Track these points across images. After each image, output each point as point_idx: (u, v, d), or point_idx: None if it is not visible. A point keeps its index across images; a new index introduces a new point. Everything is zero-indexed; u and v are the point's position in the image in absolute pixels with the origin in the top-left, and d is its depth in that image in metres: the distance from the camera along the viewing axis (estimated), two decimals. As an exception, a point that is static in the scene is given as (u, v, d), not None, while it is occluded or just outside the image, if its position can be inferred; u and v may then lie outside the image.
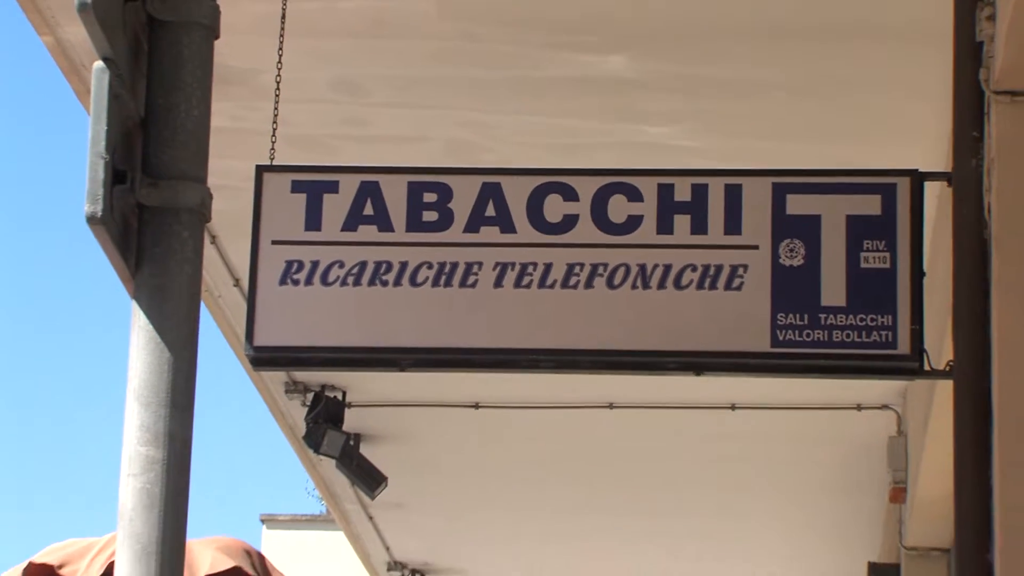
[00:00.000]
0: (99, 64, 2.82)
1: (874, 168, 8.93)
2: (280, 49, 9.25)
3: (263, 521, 27.19)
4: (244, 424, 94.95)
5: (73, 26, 9.40)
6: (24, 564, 4.72)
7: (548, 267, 8.75)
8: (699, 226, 8.74)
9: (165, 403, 2.95)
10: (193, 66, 2.94)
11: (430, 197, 8.95)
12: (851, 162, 9.05)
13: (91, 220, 2.79)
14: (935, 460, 10.79)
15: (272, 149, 9.27)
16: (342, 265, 8.85)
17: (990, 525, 7.66)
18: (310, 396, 12.75)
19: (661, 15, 9.33)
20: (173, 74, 2.94)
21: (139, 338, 2.97)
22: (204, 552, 4.67)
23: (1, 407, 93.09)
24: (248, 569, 4.77)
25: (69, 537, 4.82)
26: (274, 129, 9.39)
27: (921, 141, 9.38)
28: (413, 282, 8.82)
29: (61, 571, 4.70)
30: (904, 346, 8.62)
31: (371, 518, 15.57)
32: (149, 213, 2.91)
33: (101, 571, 4.59)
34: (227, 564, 4.74)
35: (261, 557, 4.88)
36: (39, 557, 4.76)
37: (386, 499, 14.16)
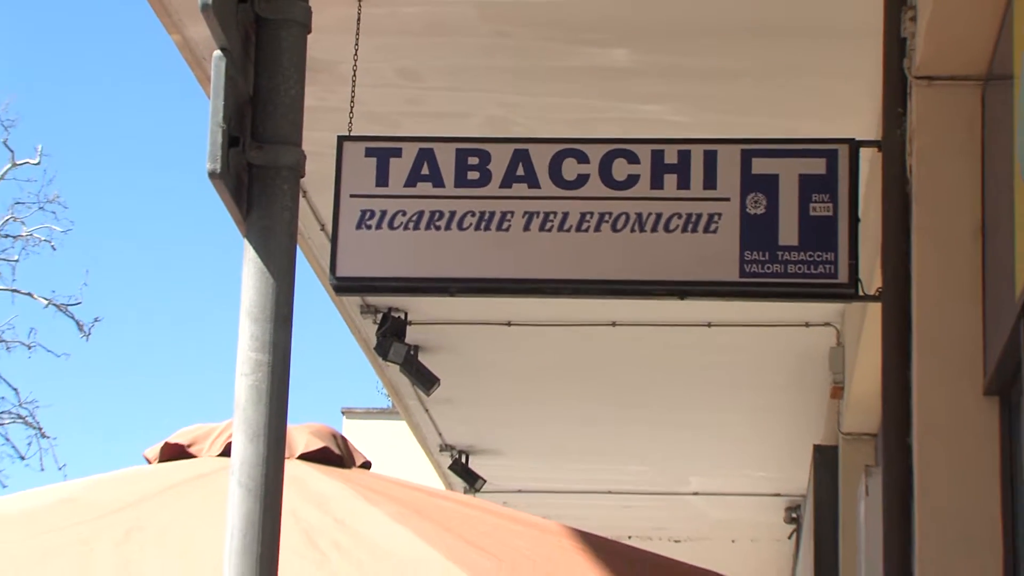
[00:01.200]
0: (217, 53, 2.83)
1: (820, 137, 8.95)
2: (356, 44, 9.28)
3: (343, 413, 27.27)
4: (329, 337, 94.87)
5: (196, 26, 9.41)
6: (161, 443, 4.75)
7: (565, 215, 8.78)
8: (683, 183, 8.76)
9: (270, 319, 2.97)
10: (290, 55, 2.96)
11: (473, 160, 8.97)
12: (802, 133, 9.06)
13: (212, 175, 2.81)
14: (866, 365, 10.79)
15: (350, 123, 9.32)
16: (404, 213, 8.88)
17: (909, 415, 7.67)
18: (379, 316, 12.76)
19: (653, 17, 9.36)
20: (274, 61, 2.95)
21: (249, 268, 2.99)
22: (300, 435, 4.68)
23: (153, 323, 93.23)
24: (334, 449, 4.78)
25: (196, 423, 4.83)
26: (351, 107, 9.43)
27: (857, 116, 9.37)
28: (460, 227, 8.85)
29: (190, 449, 4.71)
30: (843, 276, 8.65)
31: (427, 411, 15.60)
32: (256, 170, 2.93)
33: (220, 450, 4.60)
34: (318, 445, 4.75)
35: (344, 440, 4.89)
36: (173, 438, 4.77)
37: (438, 396, 14.19)
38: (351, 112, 9.38)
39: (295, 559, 3.19)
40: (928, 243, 7.70)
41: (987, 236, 7.44)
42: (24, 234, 59.04)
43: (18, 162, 58.67)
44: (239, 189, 2.91)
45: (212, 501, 3.78)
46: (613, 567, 4.20)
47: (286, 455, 3.08)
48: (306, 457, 4.69)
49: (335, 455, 4.80)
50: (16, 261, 57.84)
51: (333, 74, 9.35)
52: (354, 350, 14.29)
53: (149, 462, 4.80)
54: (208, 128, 2.83)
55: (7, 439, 65.66)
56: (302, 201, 6.96)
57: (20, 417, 59.93)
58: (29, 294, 62.99)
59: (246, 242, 2.96)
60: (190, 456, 4.73)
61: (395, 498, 4.40)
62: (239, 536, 2.98)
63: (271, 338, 2.95)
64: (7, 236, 59.01)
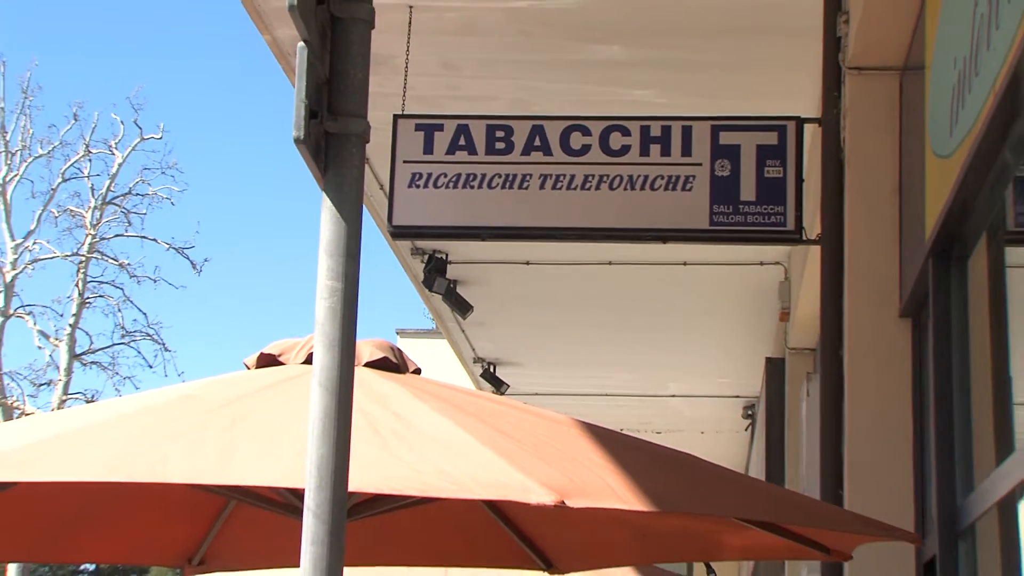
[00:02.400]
0: (301, 44, 2.84)
1: (773, 115, 8.93)
2: (408, 42, 9.28)
3: (397, 333, 27.34)
4: (386, 273, 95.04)
5: (282, 28, 9.41)
6: (257, 354, 4.77)
7: (572, 177, 8.79)
8: (665, 151, 8.76)
9: (342, 254, 2.97)
10: (357, 46, 2.96)
11: (499, 134, 8.97)
12: (759, 112, 9.03)
13: (297, 141, 2.83)
14: (807, 294, 10.78)
15: (403, 104, 9.34)
16: (446, 176, 8.89)
17: (841, 333, 7.67)
18: (426, 256, 12.75)
19: (642, 21, 9.34)
20: (345, 51, 2.95)
21: (326, 215, 3.00)
22: (365, 347, 4.69)
23: (250, 261, 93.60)
24: (392, 358, 4.79)
25: (285, 338, 4.84)
26: (404, 92, 9.45)
27: (802, 99, 9.34)
28: (489, 186, 8.86)
29: (280, 358, 4.72)
30: (791, 225, 8.64)
31: (463, 331, 15.59)
32: (331, 137, 2.93)
33: (304, 358, 4.61)
34: (379, 355, 4.76)
35: (399, 351, 4.90)
36: (266, 349, 4.79)
37: (472, 320, 14.18)
38: (404, 96, 9.42)
39: (362, 444, 3.21)
40: (857, 199, 7.70)
41: (903, 194, 7.43)
42: (150, 193, 58.96)
43: (145, 137, 58.58)
44: (318, 152, 2.93)
45: (298, 398, 3.79)
46: (609, 448, 4.22)
47: (355, 363, 3.09)
48: (370, 365, 4.70)
49: (393, 363, 4.81)
50: (144, 214, 57.68)
51: (389, 66, 9.35)
52: (406, 283, 14.30)
53: (248, 368, 4.82)
54: (293, 104, 2.85)
55: (139, 352, 65.32)
56: (366, 165, 6.96)
57: (148, 335, 59.90)
58: (154, 240, 62.76)
59: (323, 194, 2.97)
60: (280, 363, 4.75)
61: (439, 397, 4.42)
62: (319, 425, 3.00)
63: (343, 270, 2.96)
64: (137, 195, 58.83)
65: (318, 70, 2.92)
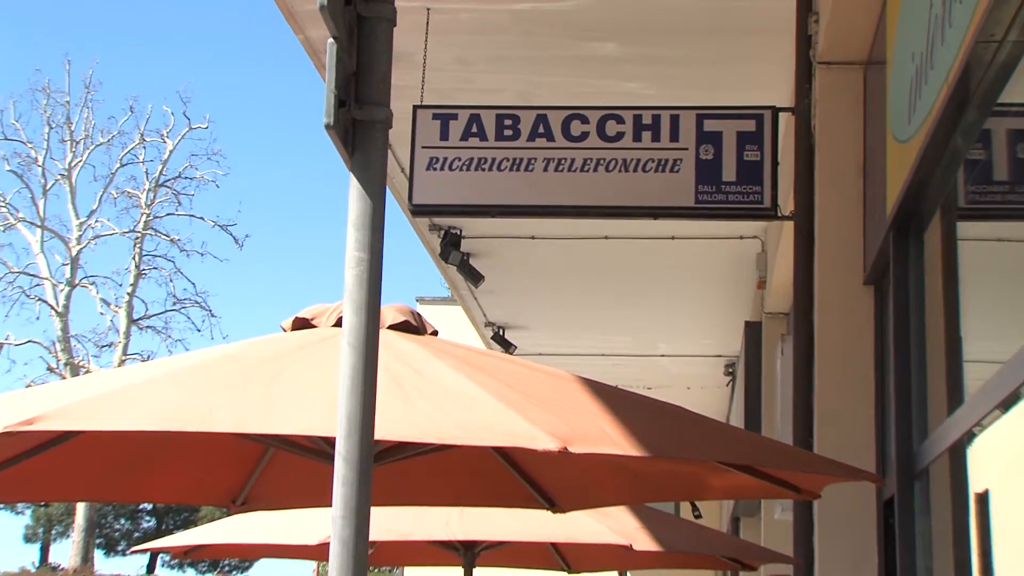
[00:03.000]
0: (330, 41, 2.83)
1: (751, 105, 8.90)
2: (426, 40, 9.26)
3: (417, 300, 27.35)
4: (407, 246, 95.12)
5: (314, 29, 9.40)
6: (293, 317, 4.76)
7: (572, 160, 8.77)
8: (655, 137, 8.74)
9: (368, 228, 2.96)
10: (381, 42, 2.95)
11: (507, 122, 8.95)
12: (739, 102, 9.02)
13: (327, 127, 2.82)
14: (782, 265, 10.78)
15: (421, 96, 9.33)
16: (459, 160, 8.89)
17: (811, 298, 7.67)
18: (442, 232, 12.74)
19: (634, 21, 9.33)
20: (370, 46, 2.94)
21: (353, 193, 2.99)
22: (388, 311, 4.67)
23: (286, 236, 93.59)
24: (412, 321, 4.77)
25: (318, 303, 4.83)
26: (422, 85, 9.43)
27: (777, 90, 9.33)
28: (498, 169, 8.85)
29: (313, 321, 4.71)
30: (767, 202, 8.63)
31: (475, 298, 15.57)
32: (358, 124, 2.92)
33: (334, 321, 4.59)
34: (401, 318, 4.74)
35: (419, 315, 4.89)
36: (301, 313, 4.77)
37: (483, 288, 14.17)
38: (422, 88, 9.41)
39: (387, 397, 3.21)
40: (826, 179, 7.69)
41: (867, 174, 7.42)
42: (197, 176, 59.14)
43: (193, 126, 58.64)
44: (346, 137, 2.91)
45: (329, 357, 3.79)
46: (606, 400, 4.22)
47: (379, 325, 3.09)
48: (393, 327, 4.69)
49: (413, 326, 4.80)
50: (192, 195, 58.01)
51: (409, 62, 9.34)
52: (424, 256, 14.25)
53: (285, 330, 4.81)
54: (324, 94, 2.84)
55: (188, 318, 65.87)
56: (388, 150, 6.95)
57: (197, 303, 60.06)
58: (201, 218, 62.75)
59: (351, 175, 2.96)
60: (312, 326, 4.75)
61: (455, 355, 4.42)
62: (348, 380, 3.00)
63: (369, 242, 2.95)
64: (186, 178, 59.03)
65: (346, 63, 2.90)
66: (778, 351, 11.78)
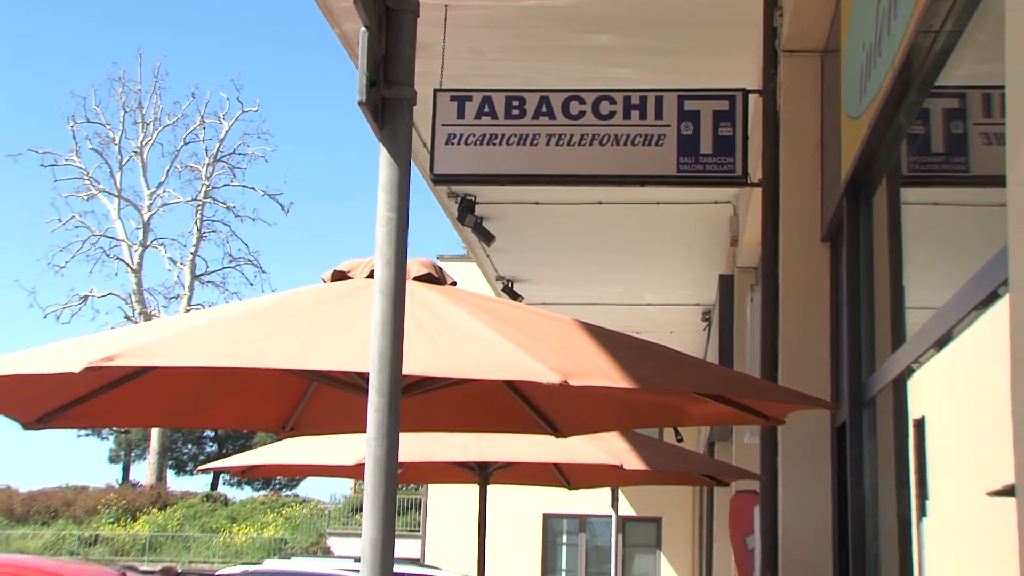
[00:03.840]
0: (363, 30, 2.81)
1: (725, 87, 8.88)
2: (444, 33, 9.23)
3: (438, 257, 27.37)
4: (429, 211, 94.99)
5: (349, 24, 9.37)
6: (332, 271, 4.75)
7: (571, 136, 8.76)
8: (643, 115, 8.72)
9: (395, 191, 2.94)
10: (407, 31, 2.93)
11: (515, 103, 8.93)
12: (714, 84, 9.01)
13: (360, 104, 2.80)
14: (751, 226, 10.75)
15: (441, 80, 9.31)
16: (474, 136, 8.87)
17: (776, 254, 7.65)
18: (459, 198, 12.72)
19: (625, 14, 9.28)
20: (397, 35, 2.92)
21: (383, 160, 2.96)
22: (413, 265, 4.66)
23: (325, 201, 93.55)
24: (434, 273, 4.76)
25: (352, 258, 4.82)
26: (442, 71, 9.41)
27: (747, 75, 9.29)
28: (507, 144, 8.84)
29: (348, 273, 4.68)
30: (739, 171, 8.62)
31: (488, 256, 15.56)
32: (387, 101, 2.90)
33: (367, 273, 4.58)
34: (424, 271, 4.73)
35: (440, 269, 4.87)
36: (338, 267, 4.73)
37: (495, 247, 14.17)
38: (441, 74, 9.40)
39: (412, 339, 3.21)
40: (788, 152, 7.67)
41: (824, 147, 7.39)
42: (249, 153, 59.19)
43: (245, 109, 58.61)
44: (376, 113, 2.90)
45: (363, 303, 3.79)
46: (601, 341, 4.22)
47: (406, 276, 3.08)
48: (417, 279, 4.69)
49: (435, 277, 4.79)
50: (245, 169, 58.06)
51: (429, 52, 9.32)
52: (444, 219, 14.23)
53: (324, 281, 4.81)
54: (357, 76, 2.82)
55: (242, 274, 66.28)
56: (412, 128, 6.94)
57: (249, 261, 60.11)
58: (253, 188, 62.64)
59: (380, 146, 2.94)
60: (348, 278, 4.73)
61: (471, 303, 4.41)
62: (379, 323, 3.00)
63: (396, 203, 2.93)
64: (239, 154, 59.08)
65: (376, 49, 2.88)
66: (748, 300, 11.77)
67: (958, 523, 4.61)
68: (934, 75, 4.57)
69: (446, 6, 9.07)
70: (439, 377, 4.46)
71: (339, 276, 4.77)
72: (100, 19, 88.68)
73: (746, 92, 8.78)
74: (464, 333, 3.97)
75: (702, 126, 8.68)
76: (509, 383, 5.66)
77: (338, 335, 3.86)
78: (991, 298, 3.61)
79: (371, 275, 4.44)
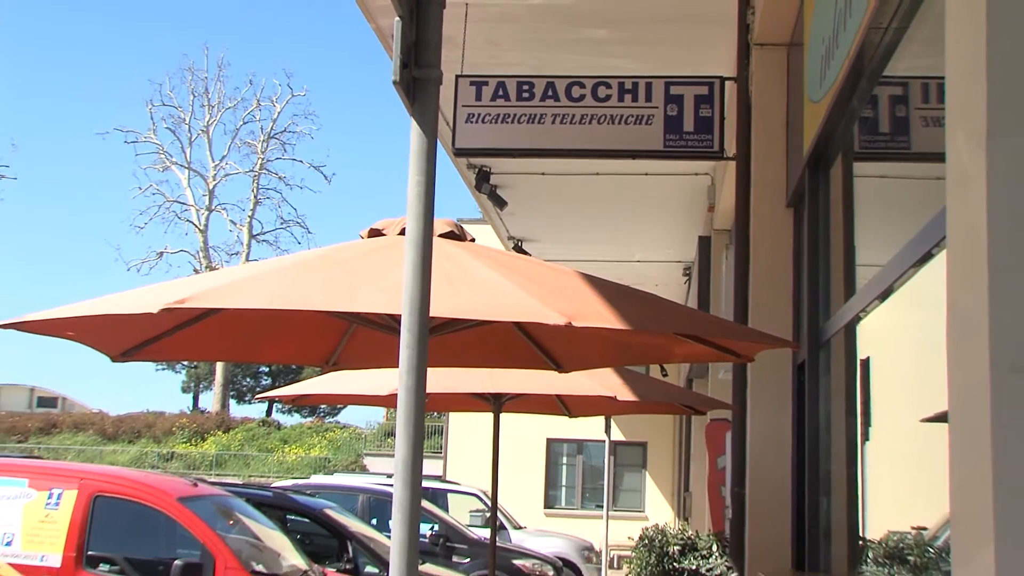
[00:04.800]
0: (397, 19, 2.79)
1: (706, 75, 8.82)
2: (465, 26, 9.18)
3: (458, 220, 27.20)
4: (450, 180, 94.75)
5: (383, 19, 9.32)
6: (368, 228, 4.72)
7: (573, 116, 8.72)
8: (634, 99, 8.66)
9: (424, 158, 2.90)
10: (434, 21, 2.89)
11: (525, 87, 8.87)
12: (696, 72, 8.96)
13: (394, 83, 2.78)
14: (726, 194, 10.74)
15: (461, 67, 9.25)
16: (489, 115, 8.83)
17: (748, 219, 7.64)
18: (476, 169, 12.69)
19: (621, 11, 9.22)
20: (426, 24, 2.89)
21: (414, 132, 2.92)
22: (438, 223, 4.60)
23: (362, 172, 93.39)
24: (457, 232, 4.75)
25: (386, 217, 4.80)
26: (462, 59, 9.35)
27: (725, 64, 9.24)
28: (518, 122, 8.79)
29: (383, 230, 4.63)
30: (716, 147, 8.58)
31: (501, 219, 15.53)
32: (418, 81, 2.87)
33: (399, 230, 4.56)
34: (447, 229, 4.72)
35: (462, 227, 4.85)
36: (374, 225, 4.68)
37: (507, 211, 14.17)
38: (462, 62, 9.36)
39: (438, 286, 3.21)
40: (759, 130, 7.63)
41: (789, 126, 7.36)
42: (298, 131, 59.29)
43: (295, 94, 58.38)
44: (408, 90, 2.87)
45: (396, 256, 3.79)
46: (600, 290, 4.22)
47: (432, 233, 3.07)
48: (442, 236, 4.68)
49: (457, 235, 4.78)
50: (294, 144, 57.91)
51: (452, 43, 9.29)
52: (463, 187, 14.21)
53: (362, 238, 4.80)
54: (392, 60, 2.81)
55: (292, 234, 65.98)
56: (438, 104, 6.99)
57: (298, 223, 59.99)
58: (301, 161, 62.38)
59: (411, 119, 2.92)
60: (382, 235, 4.72)
61: (488, 256, 4.41)
62: (410, 272, 2.99)
63: (424, 168, 2.91)
64: (290, 132, 59.05)
65: (408, 36, 2.86)
66: (723, 257, 11.78)
67: (895, 446, 4.64)
68: (882, 66, 4.55)
69: (466, 4, 9.02)
70: (461, 319, 4.46)
71: (375, 233, 4.76)
72: (173, 17, 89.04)
73: (723, 79, 8.72)
74: (482, 281, 3.98)
75: (685, 108, 8.63)
76: (519, 325, 5.67)
77: (375, 282, 3.87)
78: (926, 257, 3.62)
79: (402, 232, 4.43)
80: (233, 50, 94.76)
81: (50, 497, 8.73)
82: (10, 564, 7.97)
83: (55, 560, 8.40)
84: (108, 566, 8.64)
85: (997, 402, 2.04)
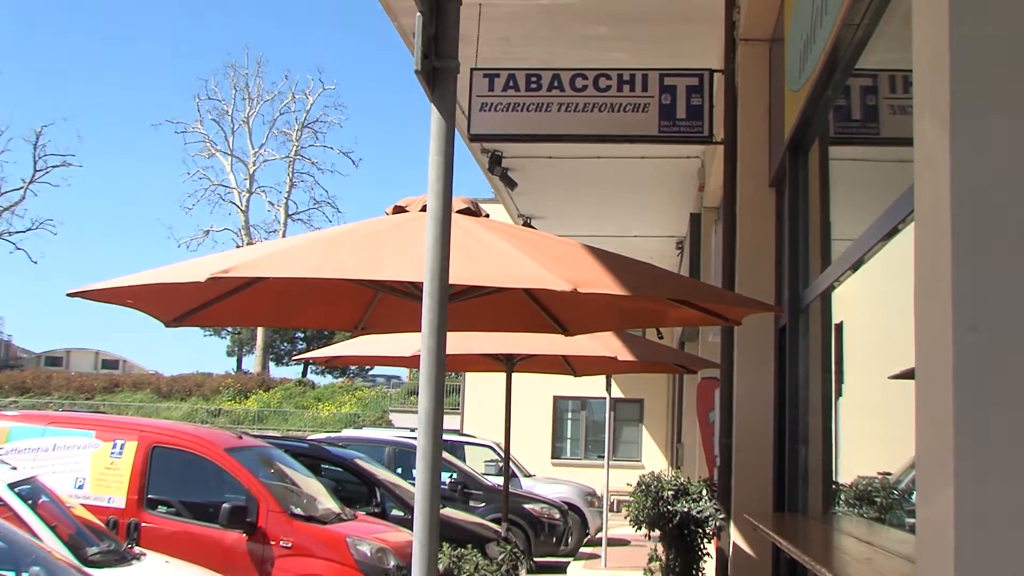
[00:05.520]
0: (419, 14, 2.77)
1: (696, 67, 8.77)
2: (479, 23, 9.12)
3: (473, 200, 27.01)
4: (467, 163, 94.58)
5: (405, 18, 9.26)
6: (392, 206, 4.69)
7: (576, 104, 8.68)
8: (632, 89, 8.61)
9: (443, 140, 2.85)
10: (452, 16, 2.87)
11: (534, 79, 8.83)
12: (688, 65, 8.90)
13: (416, 72, 2.77)
14: (715, 174, 10.69)
15: (476, 61, 9.18)
16: (502, 104, 8.80)
17: (735, 197, 7.61)
18: (490, 153, 12.65)
19: (620, 9, 9.14)
20: (445, 19, 2.87)
21: (434, 117, 2.88)
22: (456, 201, 4.60)
23: (386, 157, 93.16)
24: (473, 208, 4.74)
25: (409, 195, 4.79)
26: (476, 54, 9.29)
27: (713, 58, 9.18)
28: (527, 111, 8.76)
29: (406, 208, 4.63)
30: (706, 132, 8.54)
31: (511, 198, 15.46)
32: (437, 70, 2.85)
33: (421, 207, 4.55)
34: (464, 206, 4.71)
35: (477, 204, 4.84)
36: (398, 203, 4.66)
37: (517, 192, 14.07)
38: (476, 57, 9.28)
39: (456, 256, 3.20)
40: (744, 117, 7.59)
41: (771, 113, 7.32)
42: (328, 121, 58.98)
43: (326, 88, 58.38)
44: (429, 79, 2.86)
45: (418, 230, 3.79)
46: (602, 259, 4.22)
47: (451, 207, 3.06)
48: (460, 212, 4.68)
49: (473, 211, 4.77)
50: (325, 133, 57.78)
51: (467, 39, 9.23)
52: (477, 170, 14.16)
53: (387, 214, 4.79)
54: (414, 52, 2.79)
55: (323, 214, 65.79)
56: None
57: (329, 203, 59.80)
58: (331, 148, 62.22)
59: (431, 105, 2.90)
60: (406, 211, 4.71)
61: (501, 230, 4.41)
62: (431, 244, 2.95)
63: (444, 149, 2.89)
64: (321, 122, 58.95)
65: (429, 30, 2.85)
66: (712, 232, 11.74)
67: (865, 401, 4.65)
68: (855, 59, 4.53)
69: (480, 3, 8.96)
70: (476, 286, 4.48)
71: (399, 210, 4.75)
72: (217, 18, 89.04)
73: (712, 71, 8.67)
74: (496, 252, 3.98)
75: (678, 97, 8.59)
76: (529, 292, 5.68)
77: (399, 254, 3.87)
78: (893, 232, 3.61)
79: (423, 209, 4.43)
80: (270, 49, 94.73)
81: (114, 447, 8.91)
82: (83, 504, 8.16)
83: (120, 502, 8.61)
84: (165, 508, 8.79)
85: (959, 357, 2.06)
